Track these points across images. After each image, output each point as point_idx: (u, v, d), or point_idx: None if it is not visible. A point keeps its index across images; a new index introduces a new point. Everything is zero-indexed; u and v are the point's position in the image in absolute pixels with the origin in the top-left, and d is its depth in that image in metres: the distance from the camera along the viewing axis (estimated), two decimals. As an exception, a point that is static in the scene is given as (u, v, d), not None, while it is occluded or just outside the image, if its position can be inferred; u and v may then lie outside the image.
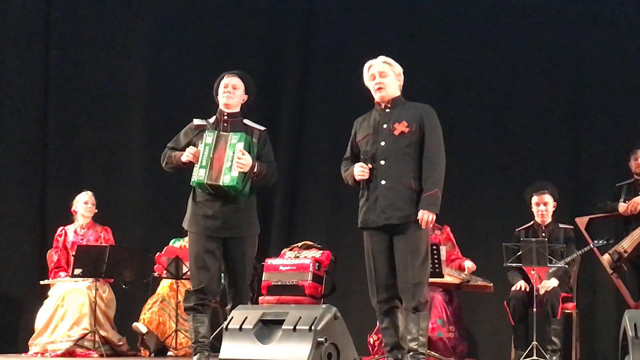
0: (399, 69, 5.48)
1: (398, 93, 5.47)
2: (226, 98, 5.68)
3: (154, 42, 8.99)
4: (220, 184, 5.46)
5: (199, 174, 5.48)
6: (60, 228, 7.97)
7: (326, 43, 8.82)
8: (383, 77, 5.41)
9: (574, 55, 8.21)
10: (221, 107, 5.72)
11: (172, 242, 8.09)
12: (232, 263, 5.61)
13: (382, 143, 5.34)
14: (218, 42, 8.90)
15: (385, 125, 5.37)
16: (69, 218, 8.02)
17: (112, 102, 8.94)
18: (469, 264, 7.27)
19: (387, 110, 5.41)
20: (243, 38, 8.90)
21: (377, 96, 5.44)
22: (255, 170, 5.54)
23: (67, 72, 8.94)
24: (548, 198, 7.21)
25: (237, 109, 5.74)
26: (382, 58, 5.48)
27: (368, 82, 5.48)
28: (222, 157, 5.50)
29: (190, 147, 5.58)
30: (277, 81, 8.81)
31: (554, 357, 6.72)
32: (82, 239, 7.86)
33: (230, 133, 5.55)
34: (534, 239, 6.75)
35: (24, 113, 8.85)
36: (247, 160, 5.49)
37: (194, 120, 5.74)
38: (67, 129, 8.91)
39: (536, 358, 6.47)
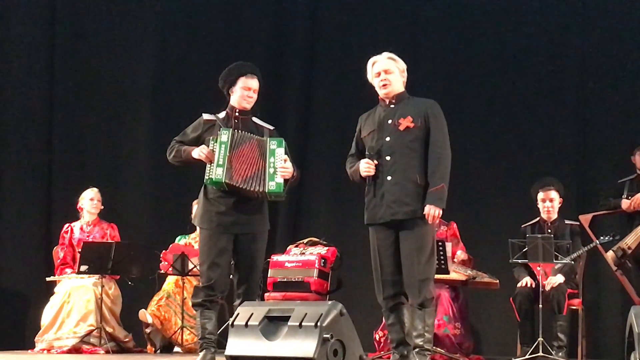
0: (403, 65, 5.48)
1: (402, 89, 5.47)
2: (247, 102, 5.68)
3: (159, 38, 8.99)
4: (266, 190, 5.49)
5: (216, 173, 5.44)
6: (67, 225, 7.97)
7: (331, 38, 8.82)
8: (388, 74, 5.41)
9: (580, 50, 8.19)
10: (235, 105, 5.70)
11: (177, 239, 8.09)
12: (244, 259, 5.60)
13: (388, 139, 5.33)
14: (223, 37, 8.90)
15: (390, 121, 5.36)
16: (74, 215, 8.02)
17: (117, 98, 8.94)
18: (458, 253, 7.24)
19: (392, 105, 5.42)
20: (248, 33, 8.89)
21: (382, 93, 5.44)
22: (294, 174, 5.61)
23: (72, 67, 8.94)
24: (554, 194, 7.20)
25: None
26: (386, 54, 5.48)
27: (372, 78, 5.48)
28: (259, 162, 5.49)
29: (203, 146, 5.55)
30: (282, 77, 8.81)
31: (560, 353, 6.72)
32: (88, 236, 7.87)
33: (268, 138, 5.58)
34: (539, 235, 6.75)
35: (29, 110, 8.85)
36: (290, 167, 5.56)
37: (203, 115, 5.73)
38: (73, 125, 8.91)
39: (542, 354, 6.47)
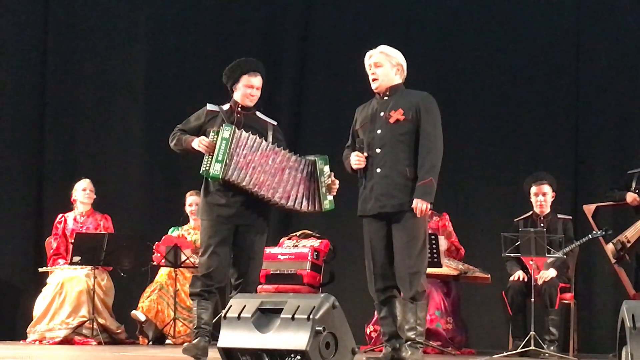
0: (398, 58, 5.43)
1: (397, 81, 5.43)
2: (249, 100, 5.68)
3: (153, 31, 8.97)
4: (322, 210, 5.63)
5: (214, 168, 5.41)
6: (60, 215, 7.96)
7: (325, 32, 8.81)
8: (377, 67, 5.40)
9: (574, 44, 8.19)
10: (238, 101, 5.69)
11: (170, 230, 8.09)
12: (244, 250, 5.59)
13: (379, 131, 5.33)
14: (217, 30, 8.88)
15: (382, 114, 5.36)
16: (66, 206, 8.00)
17: (111, 90, 8.92)
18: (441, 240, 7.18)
19: (386, 98, 5.41)
20: (242, 27, 8.87)
21: (372, 86, 5.44)
22: None
23: (65, 58, 8.91)
24: (547, 188, 7.20)
25: None
26: (380, 48, 5.47)
27: (367, 72, 5.49)
28: (308, 184, 5.58)
29: (202, 137, 5.53)
30: (276, 69, 8.79)
31: (552, 347, 6.73)
32: (81, 227, 7.86)
33: (316, 158, 5.62)
34: (532, 229, 6.74)
35: (21, 101, 8.82)
36: (337, 184, 5.65)
37: (208, 105, 5.71)
38: (65, 116, 8.88)
39: (534, 348, 6.47)
